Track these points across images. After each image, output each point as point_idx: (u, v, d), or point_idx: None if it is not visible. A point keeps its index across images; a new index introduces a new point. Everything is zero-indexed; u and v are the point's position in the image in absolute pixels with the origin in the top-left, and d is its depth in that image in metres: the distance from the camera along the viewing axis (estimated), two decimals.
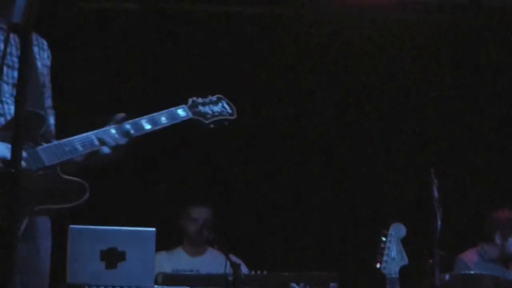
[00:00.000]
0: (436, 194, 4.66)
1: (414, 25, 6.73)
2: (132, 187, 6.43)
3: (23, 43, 2.30)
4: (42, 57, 3.41)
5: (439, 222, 4.62)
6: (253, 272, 5.28)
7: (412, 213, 5.95)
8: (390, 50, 6.77)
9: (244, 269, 5.39)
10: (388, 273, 4.80)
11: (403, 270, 4.81)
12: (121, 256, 4.17)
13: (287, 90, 6.83)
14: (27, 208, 3.00)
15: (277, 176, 6.83)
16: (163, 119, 3.39)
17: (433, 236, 4.63)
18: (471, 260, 5.91)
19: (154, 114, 3.38)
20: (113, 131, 3.27)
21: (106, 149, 3.24)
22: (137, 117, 3.36)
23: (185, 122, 3.49)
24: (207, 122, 3.54)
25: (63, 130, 3.40)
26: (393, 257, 4.84)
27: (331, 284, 5.13)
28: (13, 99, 3.16)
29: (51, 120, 3.40)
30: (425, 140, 6.85)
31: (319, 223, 6.81)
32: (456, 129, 6.85)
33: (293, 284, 5.14)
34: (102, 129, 3.27)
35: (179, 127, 3.48)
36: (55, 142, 3.19)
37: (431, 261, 4.66)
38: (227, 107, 3.62)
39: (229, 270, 5.08)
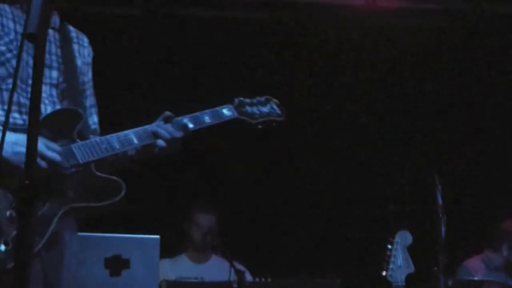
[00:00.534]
0: (440, 200, 4.64)
1: (416, 31, 6.73)
2: (137, 194, 6.39)
3: (37, 52, 2.26)
4: (83, 54, 3.35)
5: (443, 229, 4.60)
6: (257, 280, 5.26)
7: (418, 220, 5.92)
8: (392, 56, 6.76)
9: (248, 277, 5.37)
10: (395, 281, 4.76)
11: (409, 278, 4.78)
12: (125, 264, 4.15)
13: (288, 92, 6.82)
14: (60, 205, 2.95)
15: (282, 184, 6.81)
16: (207, 118, 3.34)
17: (437, 243, 4.60)
18: (475, 268, 5.85)
19: (197, 113, 3.34)
20: (166, 125, 3.23)
21: (161, 142, 3.20)
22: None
23: (230, 122, 3.44)
24: (254, 122, 3.50)
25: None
26: (399, 265, 4.80)
27: None
28: (50, 100, 3.12)
29: (95, 119, 3.34)
30: (431, 146, 6.84)
31: (324, 230, 6.80)
32: (462, 135, 6.84)
33: None
34: (149, 125, 3.22)
35: (223, 126, 3.43)
36: (92, 139, 3.11)
37: (435, 268, 4.64)
38: (276, 108, 3.59)
39: (233, 277, 5.06)
